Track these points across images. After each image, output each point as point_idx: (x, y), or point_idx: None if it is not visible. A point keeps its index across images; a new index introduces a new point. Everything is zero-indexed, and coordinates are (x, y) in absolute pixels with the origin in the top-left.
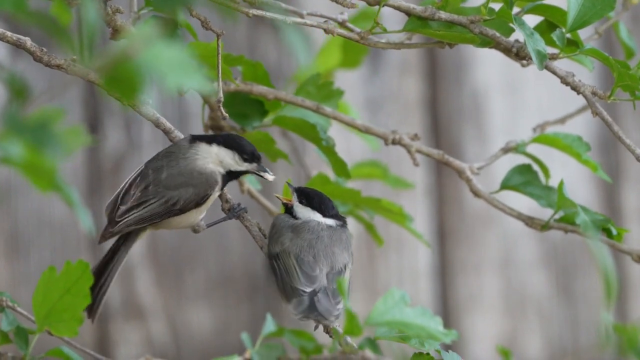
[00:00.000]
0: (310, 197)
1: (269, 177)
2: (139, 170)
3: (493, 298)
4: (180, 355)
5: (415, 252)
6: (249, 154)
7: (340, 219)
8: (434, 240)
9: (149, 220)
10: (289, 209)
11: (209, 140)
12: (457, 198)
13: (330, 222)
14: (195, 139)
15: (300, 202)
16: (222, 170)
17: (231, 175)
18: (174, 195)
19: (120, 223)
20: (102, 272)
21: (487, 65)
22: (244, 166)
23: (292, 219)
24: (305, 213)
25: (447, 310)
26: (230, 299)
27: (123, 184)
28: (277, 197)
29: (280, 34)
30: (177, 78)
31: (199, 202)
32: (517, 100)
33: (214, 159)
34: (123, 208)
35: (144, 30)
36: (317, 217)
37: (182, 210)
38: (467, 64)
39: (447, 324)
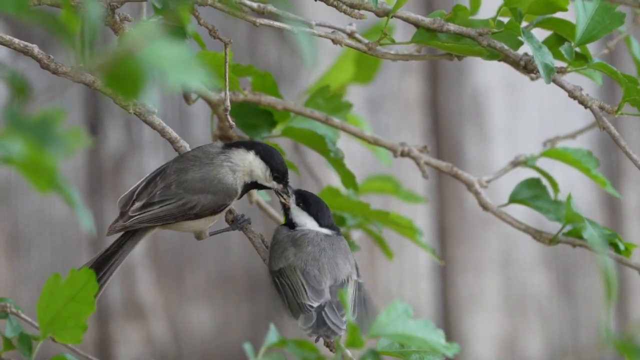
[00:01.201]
0: (308, 202)
1: (287, 202)
2: (161, 169)
3: (493, 298)
4: (181, 355)
5: (416, 252)
6: (280, 174)
7: (335, 228)
8: (435, 240)
9: (163, 220)
10: (286, 211)
11: (249, 146)
12: (458, 198)
13: (325, 231)
14: (231, 145)
15: (298, 205)
16: (248, 180)
17: (253, 186)
18: (193, 199)
19: (134, 219)
20: (104, 264)
21: (487, 66)
22: (271, 184)
23: (290, 231)
24: (302, 219)
25: (447, 310)
26: (230, 299)
27: (141, 180)
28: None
29: (286, 37)
30: (179, 75)
31: (215, 210)
32: (518, 100)
33: (246, 166)
34: (138, 204)
35: (145, 28)
36: (312, 225)
37: (198, 216)
38: (468, 64)
39: (447, 324)
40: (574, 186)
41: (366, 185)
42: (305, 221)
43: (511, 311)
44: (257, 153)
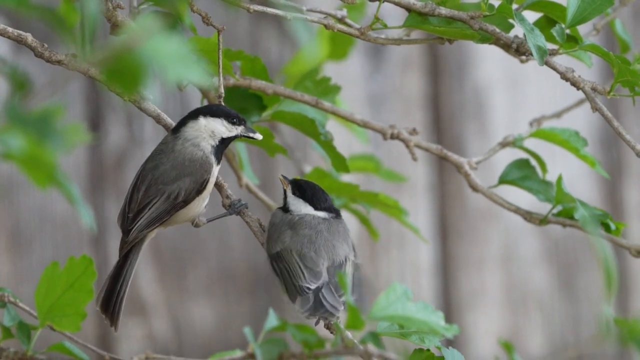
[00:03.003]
0: (302, 189)
1: (258, 136)
2: (138, 174)
3: (495, 294)
4: (182, 351)
5: (417, 247)
6: (236, 117)
7: (334, 210)
8: (436, 236)
9: (159, 219)
10: (285, 199)
11: (193, 115)
12: (459, 194)
13: (322, 214)
14: (178, 125)
15: (294, 194)
16: (214, 142)
17: (224, 144)
18: (174, 188)
19: (133, 230)
20: (118, 277)
21: (488, 61)
22: (235, 130)
23: (288, 215)
24: (298, 205)
25: (448, 306)
26: (231, 295)
27: (127, 193)
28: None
29: (284, 25)
30: (177, 71)
31: (199, 190)
32: (519, 95)
33: (205, 131)
34: (131, 215)
35: (144, 23)
36: (308, 210)
37: (186, 202)
38: (469, 60)
39: (449, 320)
40: (576, 182)
41: (348, 164)
42: (301, 207)
43: (513, 307)
44: (204, 115)
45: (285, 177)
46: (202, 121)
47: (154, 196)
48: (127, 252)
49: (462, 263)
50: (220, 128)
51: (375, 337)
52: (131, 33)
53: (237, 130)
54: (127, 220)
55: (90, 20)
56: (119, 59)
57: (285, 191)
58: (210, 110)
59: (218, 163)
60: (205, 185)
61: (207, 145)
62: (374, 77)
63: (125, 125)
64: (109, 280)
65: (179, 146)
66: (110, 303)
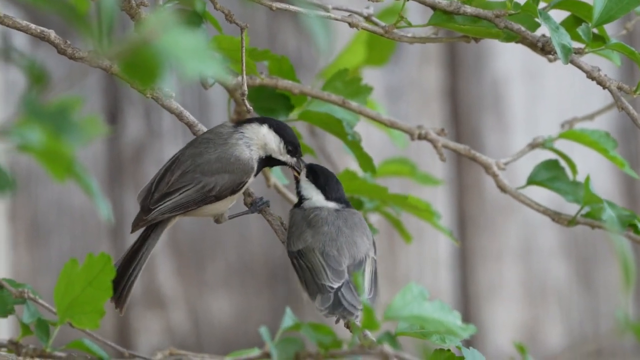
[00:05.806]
0: (316, 175)
1: (302, 177)
2: (175, 157)
3: (513, 287)
4: (201, 344)
5: (436, 240)
6: (293, 146)
7: (344, 201)
8: (454, 229)
9: (185, 207)
10: (296, 184)
11: (261, 120)
12: (478, 187)
13: (332, 205)
14: (242, 122)
15: (307, 177)
16: (262, 154)
17: (267, 162)
18: (211, 181)
19: (155, 210)
20: (132, 260)
21: (507, 54)
22: (285, 157)
23: (303, 211)
24: (309, 191)
25: (467, 299)
26: (250, 288)
27: (157, 171)
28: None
29: (301, 22)
30: (194, 64)
31: (234, 189)
32: (537, 88)
33: (260, 139)
34: (158, 195)
35: (161, 17)
36: (319, 197)
37: (218, 198)
38: (487, 53)
39: (467, 313)
40: (593, 174)
41: (382, 168)
42: (312, 194)
43: (531, 300)
44: (270, 126)
45: (302, 161)
46: (265, 129)
47: (189, 183)
48: (146, 236)
49: (481, 256)
50: (274, 146)
51: (390, 337)
52: (148, 26)
53: (288, 159)
54: (151, 198)
55: (107, 13)
56: (136, 53)
57: (296, 177)
58: (278, 126)
59: (256, 173)
60: (241, 187)
61: (256, 153)
62: (392, 69)
63: (143, 117)
64: (121, 262)
65: (233, 140)
66: (120, 285)
